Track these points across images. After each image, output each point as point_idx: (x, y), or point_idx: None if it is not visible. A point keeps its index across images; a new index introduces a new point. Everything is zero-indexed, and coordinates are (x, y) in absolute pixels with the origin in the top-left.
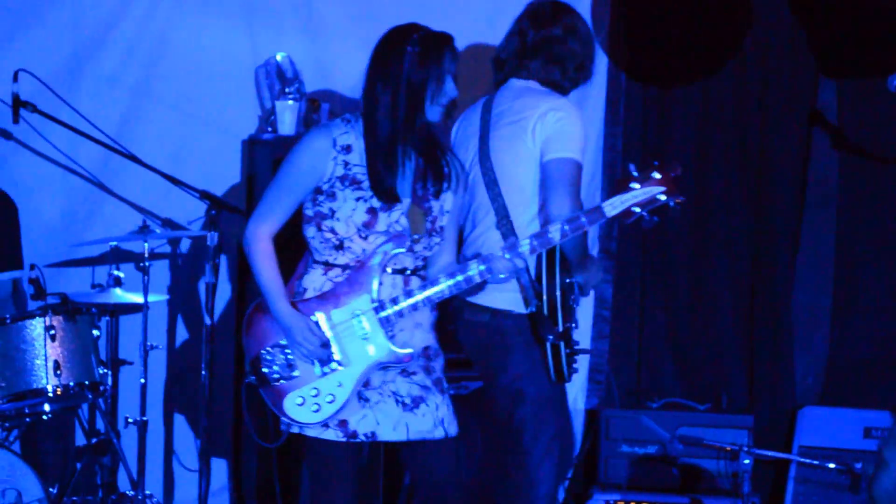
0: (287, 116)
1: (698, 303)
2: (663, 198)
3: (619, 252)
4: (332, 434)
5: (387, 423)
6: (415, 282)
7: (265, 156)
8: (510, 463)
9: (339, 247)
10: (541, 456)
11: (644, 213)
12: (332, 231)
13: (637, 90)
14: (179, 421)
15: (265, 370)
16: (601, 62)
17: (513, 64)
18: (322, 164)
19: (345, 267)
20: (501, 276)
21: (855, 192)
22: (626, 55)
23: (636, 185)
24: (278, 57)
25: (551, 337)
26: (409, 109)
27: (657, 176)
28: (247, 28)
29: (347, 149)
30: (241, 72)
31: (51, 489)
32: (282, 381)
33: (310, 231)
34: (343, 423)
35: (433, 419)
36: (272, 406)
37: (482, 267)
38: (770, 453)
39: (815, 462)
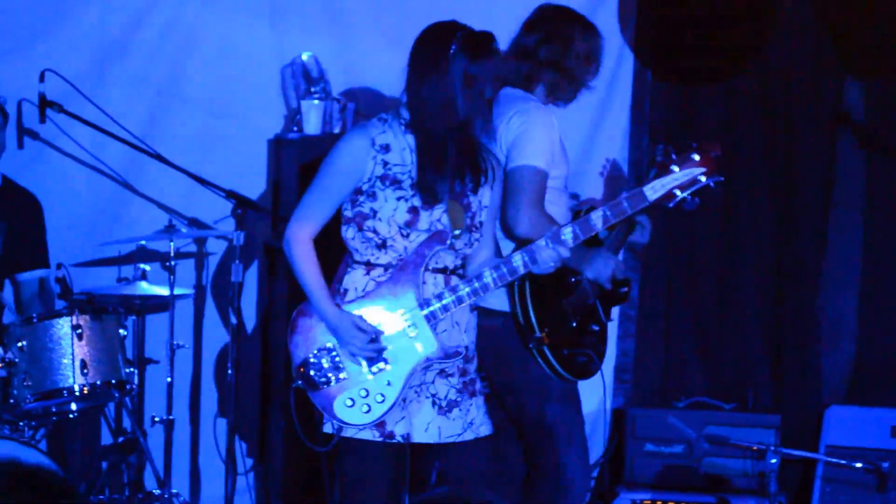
0: (313, 116)
1: (725, 302)
2: (704, 179)
3: (645, 250)
4: (369, 434)
5: (420, 424)
6: (455, 280)
7: (291, 155)
8: (545, 461)
9: (382, 246)
10: (568, 448)
11: (686, 196)
12: (374, 231)
13: (662, 89)
14: (205, 420)
15: (313, 374)
16: (627, 60)
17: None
18: (361, 164)
19: (387, 266)
20: (547, 265)
21: (881, 191)
22: (651, 54)
23: (675, 168)
24: (304, 56)
25: (531, 344)
26: (460, 109)
27: (696, 157)
28: (272, 28)
29: (386, 148)
30: (267, 71)
31: (78, 488)
32: (330, 384)
33: (349, 232)
34: (381, 424)
35: (462, 423)
36: (322, 409)
37: (526, 257)
38: (797, 452)
39: (842, 461)
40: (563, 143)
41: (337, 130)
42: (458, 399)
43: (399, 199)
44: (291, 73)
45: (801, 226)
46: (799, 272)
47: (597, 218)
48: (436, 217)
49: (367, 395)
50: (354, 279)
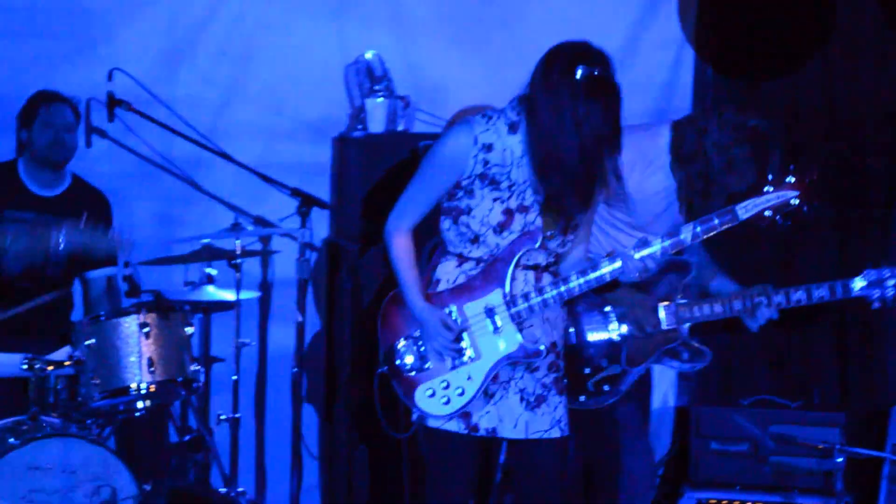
0: (377, 114)
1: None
2: (796, 202)
3: (706, 246)
4: (454, 425)
5: (508, 419)
6: (546, 278)
7: (355, 153)
8: (610, 459)
9: (475, 241)
10: (634, 446)
11: (777, 217)
12: (468, 226)
13: (724, 85)
14: (271, 418)
15: (398, 362)
16: (687, 56)
17: None
18: (463, 160)
19: (479, 260)
20: (632, 275)
21: None
22: (712, 49)
23: (769, 189)
24: (368, 55)
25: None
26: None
27: (791, 180)
28: (336, 27)
29: (489, 147)
30: (331, 70)
31: (145, 486)
32: (414, 373)
33: (445, 223)
34: (466, 416)
35: (551, 419)
36: (403, 397)
37: (615, 266)
38: (863, 451)
39: None
40: None
41: (401, 128)
42: (546, 395)
43: (495, 199)
44: (356, 71)
45: (866, 221)
46: (864, 268)
47: (686, 232)
48: (530, 220)
49: (448, 388)
50: (447, 270)
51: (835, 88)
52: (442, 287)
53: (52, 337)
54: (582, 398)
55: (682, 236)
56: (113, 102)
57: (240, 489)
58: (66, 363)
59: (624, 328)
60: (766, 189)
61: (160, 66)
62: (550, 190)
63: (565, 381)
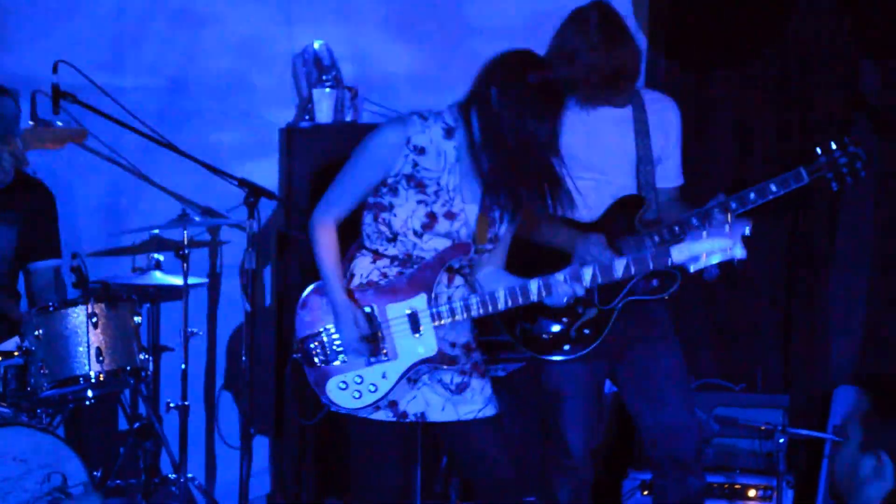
0: (324, 104)
1: (735, 283)
2: (730, 252)
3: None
4: (383, 414)
5: (435, 404)
6: (458, 280)
7: (303, 144)
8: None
9: (392, 239)
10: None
11: (710, 265)
12: (388, 224)
13: (676, 74)
14: (221, 405)
15: (313, 350)
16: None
17: None
18: (392, 159)
19: (393, 258)
20: (560, 300)
21: (894, 175)
22: (665, 39)
23: (704, 234)
24: (316, 45)
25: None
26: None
27: (726, 228)
28: (284, 16)
29: (421, 150)
30: (279, 60)
31: (95, 473)
32: (327, 364)
33: (367, 218)
34: (393, 404)
35: (482, 398)
36: (314, 386)
37: (542, 287)
38: (804, 432)
39: None
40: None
41: (349, 119)
42: (468, 381)
43: (420, 202)
44: (303, 61)
45: (814, 208)
46: (810, 254)
47: (619, 265)
48: (455, 228)
49: (361, 382)
50: (361, 265)
51: (788, 76)
52: (356, 282)
53: None
54: (566, 347)
55: (614, 269)
56: (58, 95)
57: (189, 475)
58: (15, 353)
59: (589, 271)
60: (701, 233)
61: (106, 58)
62: (494, 194)
63: (482, 366)
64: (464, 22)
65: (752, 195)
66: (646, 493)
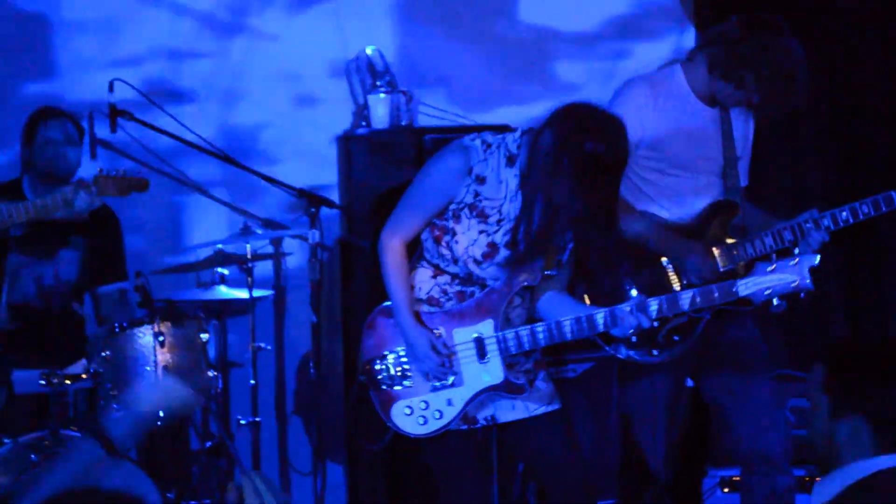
0: (380, 110)
1: None
2: (796, 286)
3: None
4: (454, 425)
5: (504, 405)
6: (516, 300)
7: (360, 150)
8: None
9: (453, 262)
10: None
11: (776, 299)
12: (450, 248)
13: None
14: (292, 420)
15: (379, 374)
16: (688, 34)
17: None
18: (455, 188)
19: (454, 276)
20: (626, 331)
21: None
22: (711, 20)
23: (770, 268)
24: (368, 51)
25: None
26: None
27: (793, 263)
28: (335, 23)
29: (482, 180)
30: (332, 67)
31: (168, 494)
32: (393, 388)
33: (428, 238)
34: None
35: (548, 394)
36: (379, 410)
37: (609, 318)
38: None
39: None
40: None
41: (405, 123)
42: (532, 377)
43: (481, 232)
44: (356, 67)
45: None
46: (872, 238)
47: (685, 298)
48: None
49: (427, 408)
50: (422, 278)
51: (836, 59)
52: (415, 295)
53: (65, 351)
54: (655, 352)
55: (680, 301)
56: (115, 113)
57: None
58: (84, 376)
59: (681, 278)
60: (767, 269)
61: (162, 74)
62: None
63: (542, 358)
64: (514, 17)
65: (845, 214)
66: (726, 490)
